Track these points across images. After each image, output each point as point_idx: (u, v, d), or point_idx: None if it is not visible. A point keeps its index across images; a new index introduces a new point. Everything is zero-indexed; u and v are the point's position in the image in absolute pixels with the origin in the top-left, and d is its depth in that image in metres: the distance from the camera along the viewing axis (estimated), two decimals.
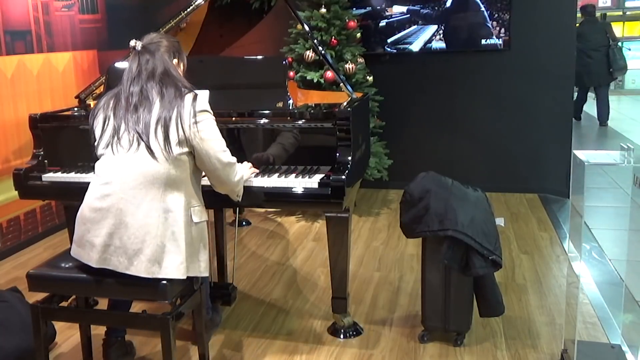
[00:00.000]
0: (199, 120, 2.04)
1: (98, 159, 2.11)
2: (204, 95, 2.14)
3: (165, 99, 2.03)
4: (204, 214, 2.17)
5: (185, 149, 2.04)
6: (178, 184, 2.05)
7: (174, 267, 2.01)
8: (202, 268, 2.15)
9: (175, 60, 2.18)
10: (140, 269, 1.99)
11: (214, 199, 2.29)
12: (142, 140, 2.00)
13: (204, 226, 2.17)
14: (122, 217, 2.00)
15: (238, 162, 2.28)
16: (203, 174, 2.22)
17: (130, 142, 2.02)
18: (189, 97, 2.06)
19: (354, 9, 4.90)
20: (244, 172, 2.36)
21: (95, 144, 2.10)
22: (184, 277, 2.04)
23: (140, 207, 2.00)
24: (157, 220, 2.00)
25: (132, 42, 2.10)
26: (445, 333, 2.66)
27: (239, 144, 2.61)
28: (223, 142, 2.14)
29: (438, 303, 2.60)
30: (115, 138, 2.04)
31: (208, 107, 2.10)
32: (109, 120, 2.08)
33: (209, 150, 2.08)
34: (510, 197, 4.95)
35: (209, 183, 2.25)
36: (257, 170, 2.53)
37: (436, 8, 4.95)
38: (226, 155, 2.15)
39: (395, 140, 4.99)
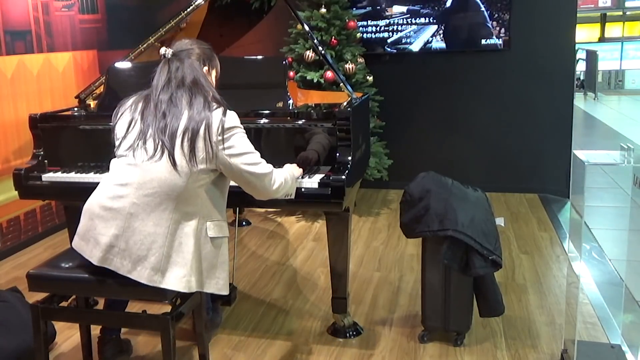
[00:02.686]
0: (227, 136, 1.99)
1: (116, 156, 2.08)
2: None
3: (193, 110, 1.98)
4: (223, 229, 2.11)
5: (211, 166, 2.00)
6: (194, 197, 2.02)
7: (176, 279, 1.98)
8: (220, 286, 2.10)
9: (205, 68, 2.13)
10: (142, 275, 1.97)
11: None
12: (167, 149, 1.96)
13: (223, 242, 2.11)
14: (131, 221, 1.98)
15: None
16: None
17: (155, 149, 1.97)
18: (218, 112, 2.00)
19: (354, 9, 4.91)
20: (292, 172, 2.31)
21: (118, 143, 2.07)
22: (187, 291, 2.01)
23: (152, 215, 1.98)
24: (166, 230, 1.98)
25: (162, 50, 2.06)
26: (445, 333, 2.66)
27: None
28: (256, 155, 2.08)
29: (438, 303, 2.60)
30: (141, 142, 2.00)
31: (237, 122, 2.04)
32: (135, 123, 2.04)
33: (240, 166, 2.03)
34: (510, 197, 4.95)
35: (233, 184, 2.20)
36: (302, 171, 2.47)
37: (436, 8, 4.95)
38: (260, 167, 2.08)
39: (395, 140, 4.99)
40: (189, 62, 2.06)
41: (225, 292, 2.13)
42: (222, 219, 2.11)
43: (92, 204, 2.06)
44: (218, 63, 2.24)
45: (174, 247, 1.99)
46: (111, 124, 2.13)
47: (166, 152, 1.96)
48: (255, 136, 2.63)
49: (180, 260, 1.99)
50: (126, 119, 2.08)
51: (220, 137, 1.98)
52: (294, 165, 2.45)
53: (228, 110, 2.03)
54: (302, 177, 2.46)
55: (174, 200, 1.99)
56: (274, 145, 2.61)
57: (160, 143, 1.97)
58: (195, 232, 2.01)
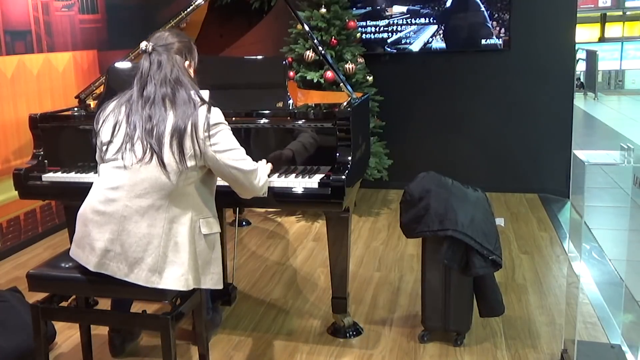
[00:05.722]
0: (212, 133, 2.00)
1: (103, 161, 2.07)
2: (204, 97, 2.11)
3: (178, 110, 1.99)
4: (215, 225, 2.12)
5: (199, 163, 2.01)
6: (185, 195, 2.02)
7: (174, 278, 1.98)
8: (215, 281, 2.12)
9: (187, 62, 2.14)
10: (140, 277, 1.97)
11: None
12: (155, 152, 1.96)
13: (215, 238, 2.12)
14: (125, 224, 1.98)
15: None
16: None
17: (144, 152, 1.97)
18: (202, 109, 2.01)
19: (354, 9, 4.91)
20: (266, 170, 2.34)
21: (105, 148, 2.05)
22: (187, 289, 2.01)
23: (145, 216, 1.98)
24: (160, 230, 1.98)
25: (143, 45, 2.05)
26: (445, 333, 2.66)
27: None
28: (241, 151, 2.09)
29: (438, 303, 2.60)
30: (129, 145, 1.99)
31: (222, 119, 2.05)
32: (120, 126, 2.03)
33: (226, 162, 2.04)
34: (510, 197, 4.95)
35: (221, 183, 2.21)
36: (271, 166, 2.50)
37: (436, 8, 4.95)
38: (246, 164, 2.10)
39: (395, 140, 4.99)
40: (171, 57, 2.06)
41: (219, 286, 2.15)
42: (213, 216, 2.13)
43: (85, 209, 2.06)
44: (196, 54, 2.24)
45: (170, 247, 1.99)
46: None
47: (155, 155, 1.96)
48: (255, 136, 2.63)
49: (177, 260, 1.99)
50: (110, 124, 2.06)
51: (206, 134, 1.99)
52: (264, 162, 2.44)
53: (212, 107, 2.04)
54: (271, 176, 2.47)
55: (167, 199, 1.99)
56: (273, 145, 2.61)
57: (148, 146, 1.97)
58: (189, 231, 2.02)
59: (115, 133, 2.04)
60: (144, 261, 1.97)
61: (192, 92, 2.05)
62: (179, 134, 1.96)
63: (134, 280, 1.98)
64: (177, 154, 1.96)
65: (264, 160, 2.46)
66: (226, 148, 2.04)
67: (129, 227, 1.98)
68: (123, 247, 1.98)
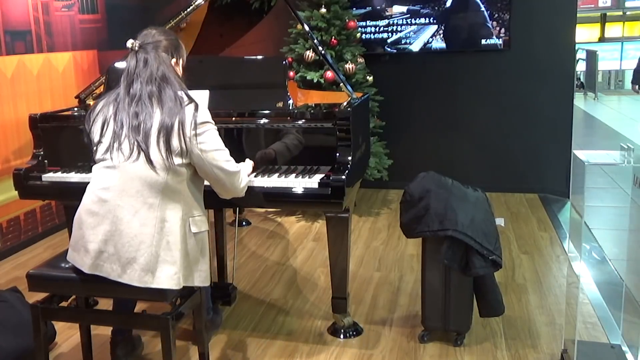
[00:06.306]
0: (200, 132, 2.00)
1: (95, 162, 2.08)
2: (203, 97, 2.10)
3: (165, 107, 1.99)
4: (204, 224, 2.13)
5: (186, 160, 2.02)
6: (176, 193, 2.03)
7: (167, 277, 1.98)
8: (203, 278, 2.12)
9: (174, 60, 2.14)
10: (133, 277, 1.97)
11: (214, 200, 2.28)
12: (142, 150, 1.97)
13: (204, 236, 2.13)
14: (117, 224, 1.98)
15: (238, 162, 2.27)
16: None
17: (131, 150, 1.98)
18: (190, 107, 2.01)
19: (354, 9, 4.91)
20: (247, 170, 2.35)
21: (95, 148, 2.07)
22: (178, 288, 2.01)
23: (137, 216, 1.98)
24: (152, 229, 1.98)
25: (129, 43, 2.05)
26: (445, 333, 2.66)
27: (239, 144, 2.62)
28: (226, 152, 2.10)
29: (438, 303, 2.60)
30: (116, 144, 2.00)
31: (209, 118, 2.06)
32: (108, 125, 2.04)
33: (211, 161, 2.05)
34: (510, 197, 4.95)
35: (207, 183, 2.22)
36: (252, 165, 2.50)
37: (436, 8, 4.95)
38: (230, 165, 2.11)
39: (395, 140, 4.99)
40: (157, 54, 2.05)
41: (207, 283, 2.15)
42: (202, 214, 2.13)
43: (79, 212, 2.07)
44: (184, 52, 2.23)
45: (162, 246, 1.99)
46: (85, 128, 2.11)
47: (142, 153, 1.97)
48: (255, 136, 2.63)
49: (169, 259, 2.00)
50: (99, 123, 2.07)
51: (193, 132, 1.99)
52: (248, 161, 2.46)
53: (199, 106, 2.04)
54: (256, 176, 2.49)
55: (158, 197, 1.99)
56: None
57: (135, 143, 1.97)
58: (180, 229, 2.02)
59: (103, 132, 2.05)
60: (137, 261, 1.97)
61: (179, 90, 2.04)
62: (166, 131, 1.97)
63: (127, 281, 1.98)
64: (164, 151, 1.97)
65: (249, 161, 2.47)
66: (212, 148, 2.05)
67: (121, 227, 1.98)
68: (116, 247, 1.98)
